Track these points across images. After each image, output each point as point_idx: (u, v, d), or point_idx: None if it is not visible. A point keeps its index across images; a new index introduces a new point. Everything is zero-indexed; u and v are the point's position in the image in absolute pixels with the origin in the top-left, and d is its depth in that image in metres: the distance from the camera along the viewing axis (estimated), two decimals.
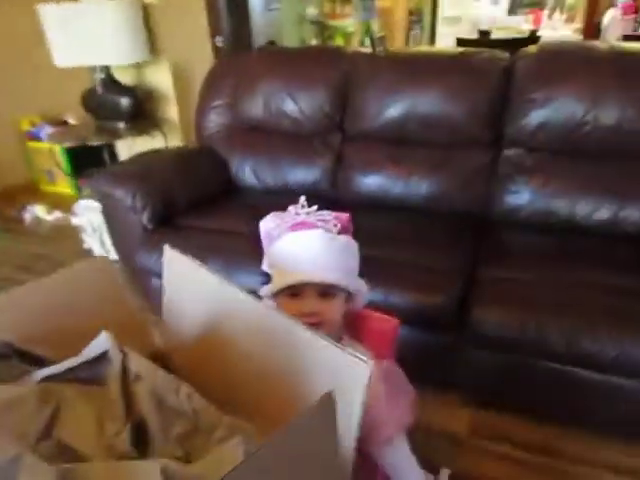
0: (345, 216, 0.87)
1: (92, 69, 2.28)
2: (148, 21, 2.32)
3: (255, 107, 2.05)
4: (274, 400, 0.54)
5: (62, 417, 0.55)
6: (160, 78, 2.46)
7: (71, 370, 0.57)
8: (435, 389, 1.50)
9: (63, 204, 3.18)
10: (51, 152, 2.96)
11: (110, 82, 2.27)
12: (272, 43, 6.22)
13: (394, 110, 1.82)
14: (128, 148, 2.68)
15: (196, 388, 0.55)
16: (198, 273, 0.66)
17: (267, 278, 0.87)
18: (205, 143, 2.18)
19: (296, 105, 1.97)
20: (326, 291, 0.77)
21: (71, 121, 3.39)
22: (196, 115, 2.20)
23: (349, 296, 0.83)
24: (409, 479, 0.86)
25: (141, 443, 0.52)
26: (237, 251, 1.56)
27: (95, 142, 2.17)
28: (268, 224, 0.87)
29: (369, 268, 1.40)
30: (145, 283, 1.79)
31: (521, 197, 1.71)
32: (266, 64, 2.08)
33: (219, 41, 3.29)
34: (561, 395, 1.34)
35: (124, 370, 0.54)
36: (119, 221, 1.83)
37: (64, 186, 3.44)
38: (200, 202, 1.90)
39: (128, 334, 0.74)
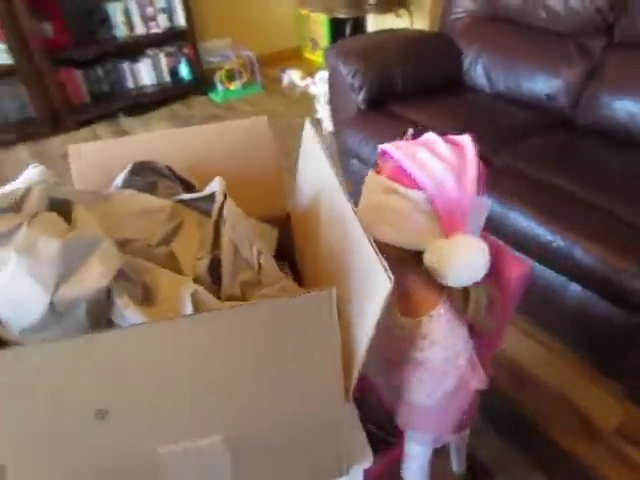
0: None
1: None
2: None
3: None
4: (327, 280, 0.58)
5: (180, 233, 0.69)
6: None
7: (193, 200, 0.69)
8: (595, 369, 1.30)
9: (315, 72, 3.46)
10: (317, 21, 3.16)
11: None
12: None
13: None
14: (375, 25, 2.66)
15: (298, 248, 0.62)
16: (318, 152, 0.69)
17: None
18: (446, 30, 2.02)
19: None
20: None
21: None
22: None
23: None
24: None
25: (215, 274, 0.62)
26: None
27: (342, 14, 2.22)
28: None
29: (564, 206, 1.21)
30: (346, 162, 1.90)
31: None
32: None
33: None
34: None
35: (220, 212, 0.64)
36: (339, 96, 1.92)
37: (321, 55, 3.70)
38: (419, 92, 1.84)
39: (266, 189, 0.85)
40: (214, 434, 0.50)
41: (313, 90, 2.56)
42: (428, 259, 0.61)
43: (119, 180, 0.75)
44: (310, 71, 3.50)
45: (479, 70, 1.87)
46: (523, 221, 1.26)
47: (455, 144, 0.65)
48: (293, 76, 3.36)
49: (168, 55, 3.18)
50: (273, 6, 3.58)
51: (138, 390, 0.46)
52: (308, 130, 0.76)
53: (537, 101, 1.72)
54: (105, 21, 2.92)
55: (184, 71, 3.22)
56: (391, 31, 2.01)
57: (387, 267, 0.44)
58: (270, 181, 0.87)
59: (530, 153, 1.46)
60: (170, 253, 0.66)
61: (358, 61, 1.75)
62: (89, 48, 2.93)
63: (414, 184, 0.61)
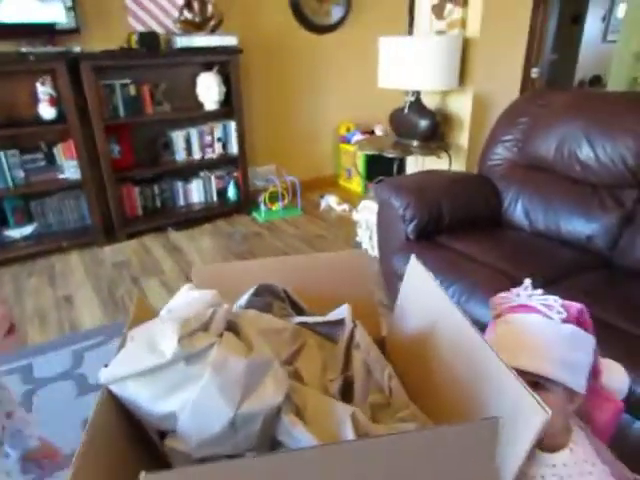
0: (577, 307, 0.75)
1: (405, 92, 2.61)
2: (464, 53, 2.50)
3: (546, 146, 2.00)
4: (452, 408, 0.62)
5: (303, 353, 0.75)
6: (460, 105, 2.63)
7: (317, 324, 0.77)
8: None
9: (351, 199, 3.74)
10: (354, 155, 3.51)
11: (417, 104, 2.55)
12: (597, 78, 5.65)
13: None
14: (415, 163, 2.96)
15: (397, 373, 0.67)
16: (429, 285, 0.77)
17: None
18: (484, 172, 2.24)
19: (592, 151, 1.83)
20: (537, 381, 0.68)
21: (378, 132, 3.93)
22: (485, 145, 2.28)
23: (574, 394, 0.71)
24: None
25: (346, 395, 0.67)
26: (477, 282, 1.59)
27: (390, 154, 2.49)
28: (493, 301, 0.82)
29: (620, 346, 1.26)
30: (393, 284, 2.00)
31: None
32: (572, 104, 1.99)
33: (535, 72, 3.25)
34: None
35: (351, 337, 0.71)
36: (388, 225, 2.08)
37: (356, 185, 4.02)
38: (463, 226, 2.00)
39: (362, 315, 0.92)
40: None
41: (355, 217, 2.77)
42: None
43: (243, 300, 0.84)
44: (345, 197, 3.79)
45: (518, 210, 2.04)
46: None
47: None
48: (330, 201, 3.63)
49: (218, 177, 3.49)
50: (315, 139, 4.00)
51: None
52: (414, 263, 0.86)
53: (576, 241, 1.85)
54: (167, 146, 3.28)
55: (231, 192, 3.50)
56: (438, 172, 2.24)
57: (539, 398, 0.50)
58: (366, 307, 0.95)
59: (579, 288, 1.54)
60: (296, 372, 0.72)
61: (411, 196, 1.94)
62: (150, 169, 3.24)
63: None
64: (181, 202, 3.43)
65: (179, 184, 3.39)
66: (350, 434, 0.54)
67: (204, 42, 3.02)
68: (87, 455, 0.47)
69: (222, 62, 3.18)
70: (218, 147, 3.41)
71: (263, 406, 0.53)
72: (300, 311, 0.87)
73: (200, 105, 3.27)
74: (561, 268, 1.70)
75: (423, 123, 2.49)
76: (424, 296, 0.80)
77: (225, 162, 3.49)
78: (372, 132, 3.99)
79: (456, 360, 0.66)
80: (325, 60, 3.82)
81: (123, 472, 0.53)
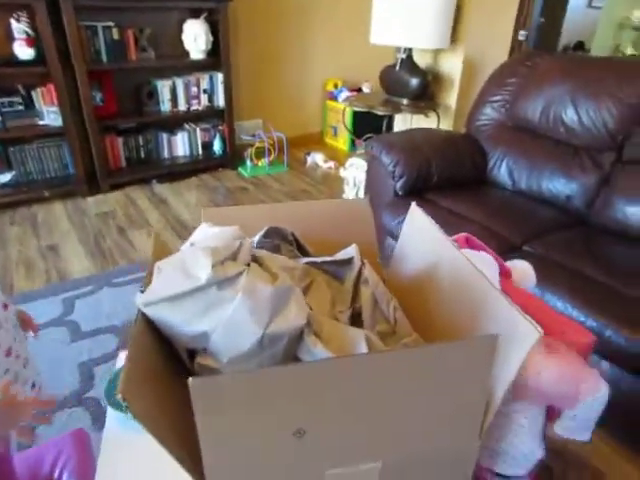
0: (462, 236, 0.87)
1: (397, 50, 2.60)
2: (457, 13, 2.50)
3: (532, 108, 2.05)
4: (451, 337, 0.69)
5: (312, 289, 0.81)
6: (451, 65, 2.64)
7: (324, 263, 0.82)
8: (623, 441, 1.38)
9: (337, 157, 3.76)
10: (341, 112, 3.49)
11: (408, 62, 2.55)
12: (581, 44, 5.68)
13: None
14: (403, 122, 2.98)
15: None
16: (430, 229, 0.83)
17: None
18: (472, 132, 2.29)
19: (576, 114, 1.90)
20: None
21: (365, 90, 3.91)
22: (473, 105, 2.32)
23: None
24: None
25: (355, 325, 0.73)
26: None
27: (380, 112, 2.51)
28: None
29: (593, 295, 1.36)
30: (381, 240, 2.07)
31: None
32: (559, 68, 2.03)
33: (522, 35, 3.26)
34: None
35: (359, 273, 0.76)
36: (378, 181, 2.13)
37: (342, 143, 4.03)
38: (450, 184, 2.06)
39: (365, 257, 0.98)
40: (375, 460, 0.59)
41: (342, 174, 2.80)
42: None
43: (254, 241, 0.88)
44: (331, 155, 3.80)
45: (503, 169, 2.11)
46: (558, 303, 1.41)
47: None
48: (317, 158, 3.64)
49: (204, 130, 3.44)
50: (302, 95, 3.95)
51: (327, 416, 0.55)
52: (414, 209, 0.91)
53: (556, 200, 1.94)
54: (152, 95, 3.20)
55: (217, 146, 3.47)
56: (427, 130, 2.28)
57: (532, 321, 0.57)
58: (368, 253, 1.01)
59: (558, 244, 1.64)
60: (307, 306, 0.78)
61: (400, 153, 1.98)
62: (134, 119, 3.17)
63: None
64: (166, 154, 3.39)
65: (164, 136, 3.34)
66: (365, 352, 0.60)
67: None
68: (134, 361, 0.53)
69: (210, 9, 3.08)
70: (204, 99, 3.35)
71: (289, 327, 0.59)
72: (306, 254, 0.92)
73: (186, 54, 3.19)
74: (542, 225, 1.80)
75: (414, 81, 2.50)
76: (424, 240, 0.86)
77: (211, 115, 3.44)
78: (359, 89, 3.96)
79: (455, 295, 0.73)
80: (316, 15, 3.73)
81: (160, 382, 0.59)
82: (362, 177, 2.76)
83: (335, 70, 4.01)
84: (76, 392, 1.60)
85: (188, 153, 3.46)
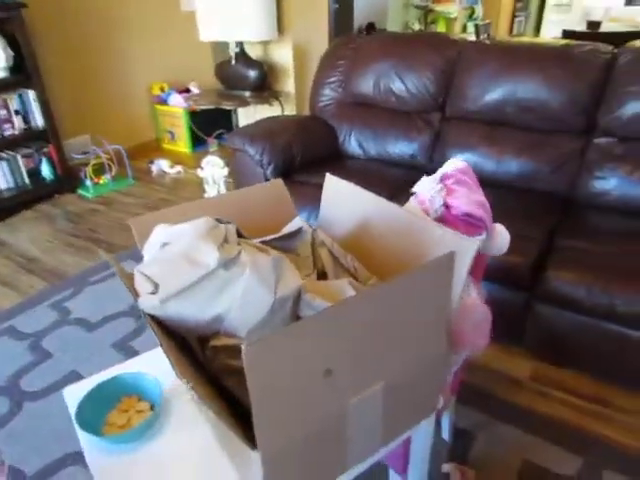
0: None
1: (229, 45, 2.66)
2: (279, 4, 2.65)
3: (365, 84, 2.32)
4: (403, 265, 0.83)
5: None
6: (283, 54, 2.80)
7: (274, 240, 0.89)
8: (503, 341, 1.73)
9: (182, 160, 3.68)
10: (179, 115, 3.42)
11: (243, 56, 2.63)
12: (372, 25, 6.38)
13: (494, 95, 2.02)
14: (246, 114, 3.06)
15: None
16: (351, 190, 0.96)
17: None
18: (317, 113, 2.49)
19: (403, 85, 2.22)
20: None
21: (194, 89, 3.87)
22: (312, 89, 2.51)
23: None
24: None
25: None
26: None
27: (228, 106, 2.55)
28: None
29: None
30: None
31: (608, 183, 1.86)
32: (379, 47, 2.34)
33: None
34: (616, 354, 1.52)
35: (313, 239, 0.85)
36: (246, 172, 2.19)
37: (182, 145, 3.94)
38: (312, 163, 2.23)
39: None
40: (380, 381, 0.70)
41: (201, 174, 2.78)
42: None
43: None
44: (175, 159, 3.70)
45: (352, 142, 2.35)
46: None
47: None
48: (162, 165, 3.53)
49: (26, 156, 3.05)
50: (128, 103, 3.74)
51: (346, 353, 0.64)
52: (330, 178, 1.03)
53: (403, 160, 2.25)
54: None
55: (45, 170, 3.11)
56: (277, 117, 2.40)
57: (467, 237, 0.74)
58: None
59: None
60: None
61: (264, 142, 2.07)
62: None
63: None
64: None
65: None
66: (354, 294, 0.71)
67: None
68: (173, 354, 0.55)
69: (2, 19, 2.72)
70: (18, 121, 2.96)
71: (291, 289, 0.66)
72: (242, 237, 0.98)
73: None
74: (396, 183, 2.08)
75: (252, 73, 2.60)
76: (347, 201, 0.99)
77: (31, 138, 3.06)
78: (188, 90, 3.91)
79: (394, 237, 0.87)
80: (125, 17, 3.53)
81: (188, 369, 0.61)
82: (221, 173, 2.79)
83: (158, 73, 3.87)
84: None
85: (12, 185, 3.03)
